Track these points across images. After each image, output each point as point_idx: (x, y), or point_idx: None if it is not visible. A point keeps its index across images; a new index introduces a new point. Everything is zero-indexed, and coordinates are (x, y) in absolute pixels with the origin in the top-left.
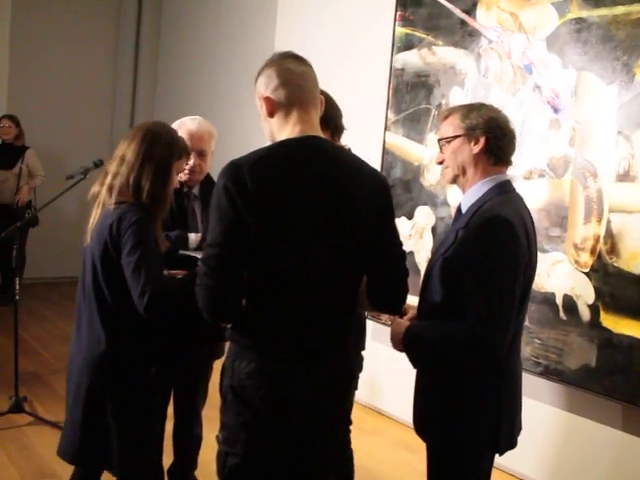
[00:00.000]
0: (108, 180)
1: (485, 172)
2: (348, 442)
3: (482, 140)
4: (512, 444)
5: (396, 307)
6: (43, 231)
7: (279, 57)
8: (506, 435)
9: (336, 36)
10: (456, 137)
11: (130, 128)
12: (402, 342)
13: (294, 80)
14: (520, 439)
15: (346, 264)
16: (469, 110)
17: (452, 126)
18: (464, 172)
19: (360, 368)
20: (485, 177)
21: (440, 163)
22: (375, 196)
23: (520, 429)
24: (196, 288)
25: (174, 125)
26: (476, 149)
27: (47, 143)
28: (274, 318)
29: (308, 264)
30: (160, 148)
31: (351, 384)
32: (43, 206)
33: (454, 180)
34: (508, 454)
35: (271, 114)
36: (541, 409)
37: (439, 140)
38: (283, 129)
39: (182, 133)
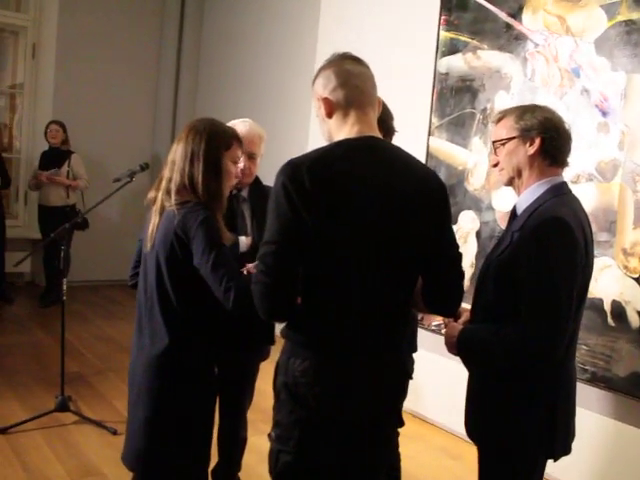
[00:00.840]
0: (164, 184)
1: (541, 173)
2: (397, 443)
3: (537, 141)
4: (567, 450)
5: (451, 309)
6: (88, 235)
7: (338, 58)
8: (561, 440)
9: (380, 40)
10: (511, 139)
11: (171, 133)
12: (456, 345)
13: (352, 81)
14: None
15: (402, 264)
16: (523, 111)
17: (506, 128)
18: (519, 174)
19: (412, 370)
20: (541, 179)
21: (495, 166)
22: (433, 197)
23: (574, 435)
24: (252, 286)
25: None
26: (531, 150)
27: (91, 148)
28: (330, 316)
29: (365, 263)
30: (205, 142)
31: (405, 384)
32: (91, 208)
33: (510, 182)
34: (554, 463)
35: (329, 115)
36: (588, 417)
37: (494, 142)
38: (341, 129)
39: None
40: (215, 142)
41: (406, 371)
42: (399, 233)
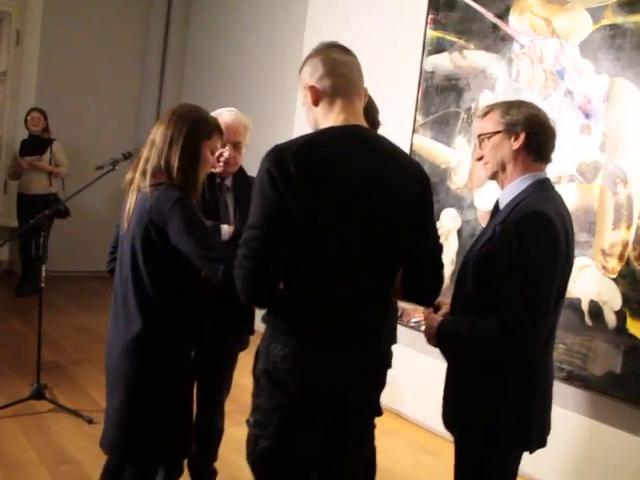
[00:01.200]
0: (141, 165)
1: (525, 168)
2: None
3: (522, 136)
4: (542, 442)
5: (429, 299)
6: (68, 224)
7: (325, 47)
8: (537, 433)
9: (367, 37)
10: (496, 133)
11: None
12: (435, 337)
13: (339, 69)
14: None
15: (384, 253)
16: (509, 106)
17: (492, 122)
18: (503, 168)
19: (390, 361)
20: (525, 173)
21: (479, 159)
22: (417, 187)
23: (549, 429)
24: (234, 271)
25: (214, 114)
26: (516, 145)
27: (74, 137)
28: (311, 303)
29: (347, 251)
30: (186, 128)
31: (384, 374)
32: (72, 194)
33: (494, 176)
34: (529, 460)
35: (316, 103)
36: (564, 415)
37: (479, 136)
38: (327, 117)
39: None
40: (196, 129)
41: (386, 361)
42: (383, 221)
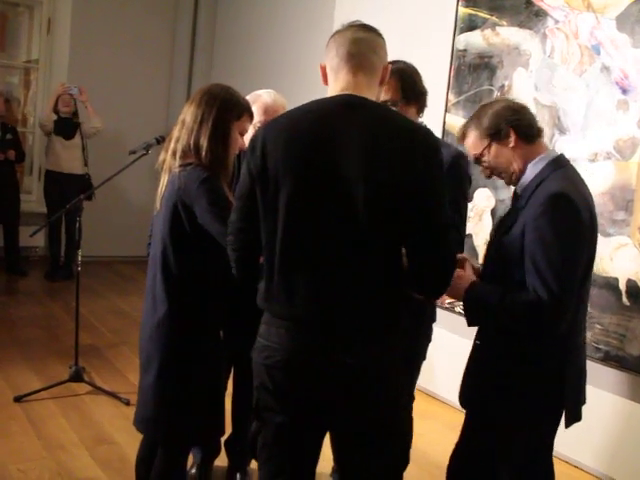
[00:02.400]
0: (172, 145)
1: (529, 152)
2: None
3: (511, 132)
4: (577, 417)
5: (434, 290)
6: (100, 209)
7: (345, 26)
8: (571, 408)
9: (398, 17)
10: (489, 146)
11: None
12: (463, 296)
13: (347, 46)
14: (578, 426)
15: (365, 233)
16: (478, 117)
17: (477, 139)
18: (514, 167)
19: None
20: (530, 156)
21: (490, 176)
22: (414, 158)
23: (584, 401)
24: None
25: (248, 97)
26: (512, 142)
27: (106, 123)
28: (286, 283)
29: (318, 233)
30: (216, 108)
31: (387, 372)
32: (106, 180)
33: (517, 179)
34: (566, 441)
35: (325, 81)
36: (600, 396)
37: (476, 159)
38: (330, 93)
39: (257, 105)
40: (227, 110)
41: (383, 359)
42: (363, 200)
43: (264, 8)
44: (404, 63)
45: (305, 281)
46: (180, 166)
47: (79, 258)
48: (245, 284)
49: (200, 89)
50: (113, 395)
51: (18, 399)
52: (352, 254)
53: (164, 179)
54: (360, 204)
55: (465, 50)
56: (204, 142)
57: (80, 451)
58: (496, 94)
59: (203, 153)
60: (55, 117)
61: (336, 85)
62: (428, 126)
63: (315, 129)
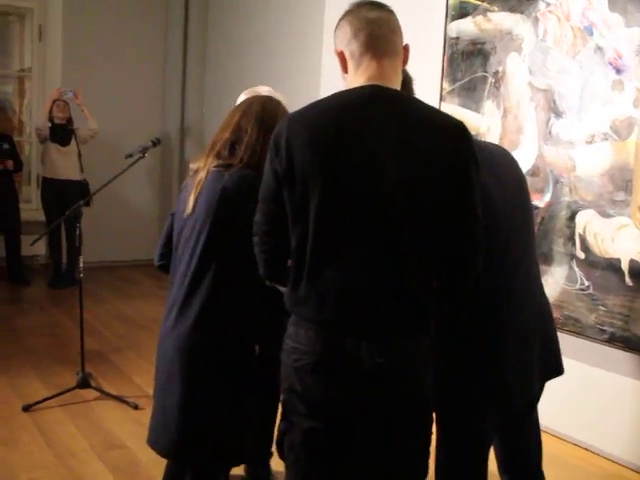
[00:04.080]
0: (219, 146)
1: None
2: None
3: None
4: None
5: (466, 280)
6: (98, 214)
7: (355, 6)
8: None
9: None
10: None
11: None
12: None
13: (366, 28)
14: (589, 410)
15: (398, 233)
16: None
17: None
18: None
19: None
20: None
21: None
22: (446, 151)
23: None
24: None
25: (246, 92)
26: None
27: (102, 128)
28: (317, 290)
29: (353, 232)
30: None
31: (418, 373)
32: (104, 185)
33: None
34: (574, 423)
35: (345, 69)
36: (607, 377)
37: None
38: (353, 82)
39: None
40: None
41: (416, 359)
42: (394, 197)
43: (255, 8)
44: None
45: (336, 284)
46: (222, 166)
47: (81, 264)
48: (273, 282)
49: (258, 101)
50: (121, 400)
51: (27, 408)
52: (384, 254)
53: (201, 178)
54: (393, 204)
55: (457, 38)
56: (262, 151)
57: (91, 457)
58: (490, 80)
59: (256, 159)
60: (50, 124)
61: (360, 74)
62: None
63: (344, 126)
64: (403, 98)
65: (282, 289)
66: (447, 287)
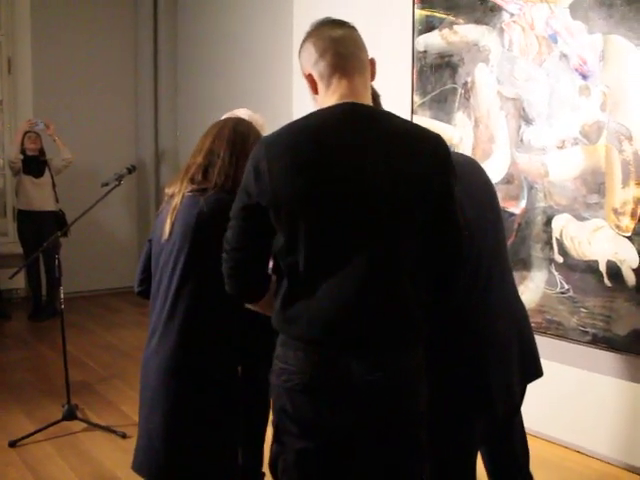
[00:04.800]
0: (193, 170)
1: None
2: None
3: None
4: (511, 401)
5: (447, 298)
6: (76, 243)
7: (317, 26)
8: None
9: (355, 23)
10: None
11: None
12: None
13: (332, 48)
14: (578, 412)
15: (387, 248)
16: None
17: None
18: None
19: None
20: None
21: None
22: (427, 165)
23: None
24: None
25: (225, 116)
26: None
27: (75, 158)
28: (308, 306)
29: (344, 250)
30: (249, 146)
31: (411, 387)
32: (82, 214)
33: None
34: (565, 427)
35: (315, 90)
36: (593, 378)
37: None
38: (325, 103)
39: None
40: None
41: (410, 374)
42: (376, 212)
43: (224, 28)
44: None
45: (328, 302)
46: (197, 191)
47: (61, 295)
48: (238, 300)
49: (228, 124)
50: (109, 429)
51: (13, 444)
52: (374, 270)
53: (174, 206)
54: (380, 220)
55: (425, 51)
56: (235, 177)
57: None
58: (460, 91)
59: (230, 183)
60: (22, 156)
61: (331, 94)
62: None
63: (324, 146)
64: (380, 113)
65: (251, 307)
66: (436, 300)
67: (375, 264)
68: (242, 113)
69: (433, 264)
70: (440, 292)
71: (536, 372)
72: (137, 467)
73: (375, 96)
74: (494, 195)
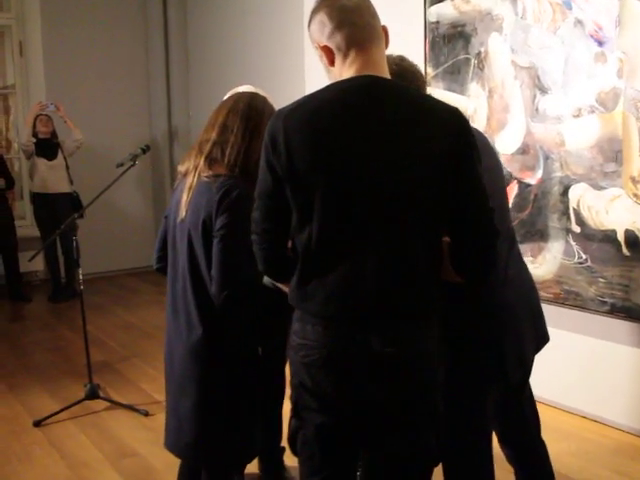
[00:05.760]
0: (207, 148)
1: None
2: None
3: None
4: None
5: (480, 276)
6: (93, 225)
7: None
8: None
9: None
10: None
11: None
12: None
13: (348, 19)
14: (597, 382)
15: (405, 224)
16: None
17: None
18: None
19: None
20: None
21: None
22: (445, 141)
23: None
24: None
25: (229, 93)
26: None
27: (89, 140)
28: (323, 283)
29: (360, 226)
30: (264, 121)
31: (429, 358)
32: (98, 195)
33: None
34: (584, 397)
35: (332, 62)
36: (611, 348)
37: None
38: (342, 75)
39: None
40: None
41: (422, 351)
42: (396, 186)
43: (234, 8)
44: None
45: (343, 279)
46: (212, 176)
47: (80, 277)
48: (273, 279)
49: (243, 98)
50: (131, 408)
51: (37, 423)
52: (389, 246)
53: (192, 183)
54: (400, 196)
55: (438, 22)
56: (254, 156)
57: (104, 467)
58: (473, 62)
59: (251, 166)
60: (34, 139)
61: (349, 66)
62: None
63: (343, 119)
64: (398, 87)
65: (281, 286)
66: (470, 278)
67: (391, 239)
68: (244, 90)
69: (463, 241)
70: (477, 268)
71: (545, 337)
72: (170, 446)
73: (420, 81)
74: (499, 165)
